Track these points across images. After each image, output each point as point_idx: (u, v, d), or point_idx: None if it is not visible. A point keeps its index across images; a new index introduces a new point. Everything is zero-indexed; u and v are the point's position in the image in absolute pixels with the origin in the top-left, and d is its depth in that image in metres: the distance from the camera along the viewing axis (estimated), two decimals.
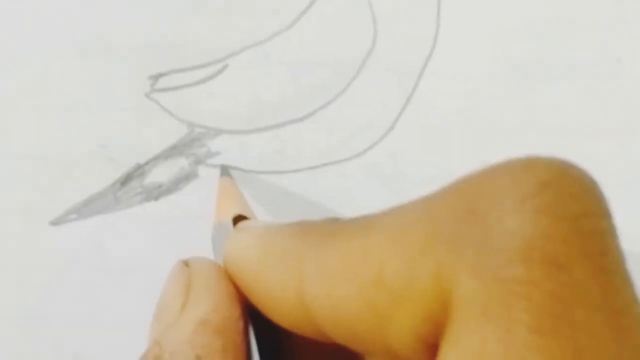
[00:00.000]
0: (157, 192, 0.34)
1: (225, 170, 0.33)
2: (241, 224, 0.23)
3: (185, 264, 0.20)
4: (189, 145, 0.34)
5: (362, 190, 0.34)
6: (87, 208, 0.33)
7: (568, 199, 0.12)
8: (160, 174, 0.34)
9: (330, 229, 0.16)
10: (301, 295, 0.16)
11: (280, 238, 0.18)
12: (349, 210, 0.33)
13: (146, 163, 0.34)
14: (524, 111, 0.34)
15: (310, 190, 0.34)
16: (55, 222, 0.33)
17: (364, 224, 0.15)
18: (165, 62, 0.34)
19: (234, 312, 0.18)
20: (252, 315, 0.19)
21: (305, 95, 0.34)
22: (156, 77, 0.34)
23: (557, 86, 0.34)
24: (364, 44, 0.34)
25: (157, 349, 0.17)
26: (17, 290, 0.33)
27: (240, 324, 0.18)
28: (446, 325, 0.13)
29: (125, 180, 0.34)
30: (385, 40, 0.34)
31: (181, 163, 0.34)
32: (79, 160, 0.34)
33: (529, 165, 0.13)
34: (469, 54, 0.35)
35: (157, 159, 0.34)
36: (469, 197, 0.13)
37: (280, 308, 0.17)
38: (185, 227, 0.33)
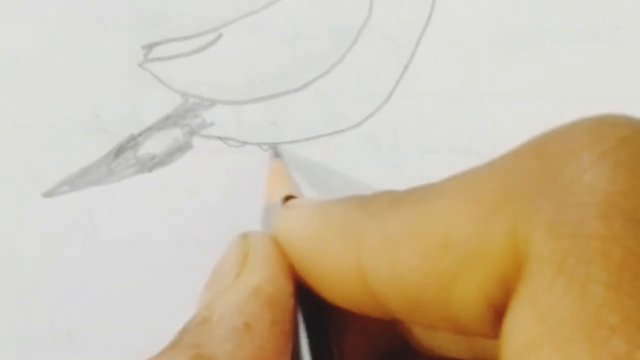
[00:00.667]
0: (151, 164, 0.33)
1: (276, 152, 0.32)
2: (292, 202, 0.23)
3: (244, 236, 0.20)
4: (183, 116, 0.33)
5: (360, 162, 0.33)
6: (80, 179, 0.33)
7: None
8: (154, 145, 0.33)
9: (391, 198, 0.16)
10: (360, 267, 0.15)
11: (337, 210, 0.17)
12: (348, 182, 0.33)
13: (140, 134, 0.33)
14: (522, 79, 0.34)
15: (307, 162, 0.33)
16: (47, 194, 0.33)
17: (428, 189, 0.15)
18: (159, 31, 0.34)
19: (288, 287, 0.18)
20: (302, 297, 0.18)
21: (300, 65, 0.34)
22: (149, 47, 0.34)
23: (555, 54, 0.34)
24: (360, 12, 0.34)
25: (206, 312, 0.17)
26: (9, 264, 0.33)
27: (292, 301, 0.18)
28: (518, 285, 0.12)
29: (119, 151, 0.33)
30: (381, 8, 0.34)
31: (175, 134, 0.33)
32: (71, 131, 0.33)
33: (607, 121, 0.13)
34: (466, 22, 0.34)
35: (150, 129, 0.33)
36: (545, 154, 0.13)
37: (337, 283, 0.17)
38: (179, 199, 0.33)
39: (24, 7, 0.34)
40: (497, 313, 0.13)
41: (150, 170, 0.33)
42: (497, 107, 0.34)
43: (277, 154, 0.32)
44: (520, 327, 0.12)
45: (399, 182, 0.33)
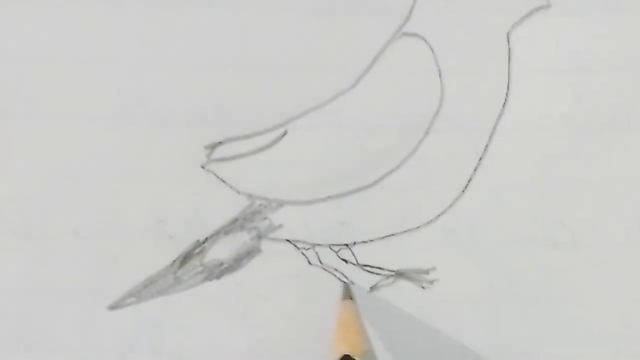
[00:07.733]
0: (219, 271, 0.32)
1: (347, 292, 0.31)
2: None
3: None
4: (250, 219, 0.32)
5: (437, 260, 0.32)
6: (146, 290, 0.32)
7: None
8: (221, 251, 0.32)
9: None
10: None
11: None
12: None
13: (206, 239, 0.32)
14: (605, 166, 0.32)
15: (381, 262, 0.32)
16: (113, 307, 0.32)
17: None
18: (221, 129, 0.32)
19: None
20: None
21: (370, 160, 0.32)
22: (212, 147, 0.32)
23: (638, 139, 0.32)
24: (431, 101, 0.32)
25: None
26: None
27: None
28: None
29: (185, 259, 0.32)
30: (453, 97, 0.32)
31: (243, 238, 0.32)
32: (135, 239, 0.32)
33: None
34: (542, 109, 0.32)
35: (217, 234, 0.32)
36: None
37: None
38: (249, 306, 0.32)
39: (81, 107, 0.33)
40: None
41: (218, 277, 0.32)
42: (580, 195, 0.32)
43: (347, 295, 0.31)
44: None
45: (479, 280, 0.31)
